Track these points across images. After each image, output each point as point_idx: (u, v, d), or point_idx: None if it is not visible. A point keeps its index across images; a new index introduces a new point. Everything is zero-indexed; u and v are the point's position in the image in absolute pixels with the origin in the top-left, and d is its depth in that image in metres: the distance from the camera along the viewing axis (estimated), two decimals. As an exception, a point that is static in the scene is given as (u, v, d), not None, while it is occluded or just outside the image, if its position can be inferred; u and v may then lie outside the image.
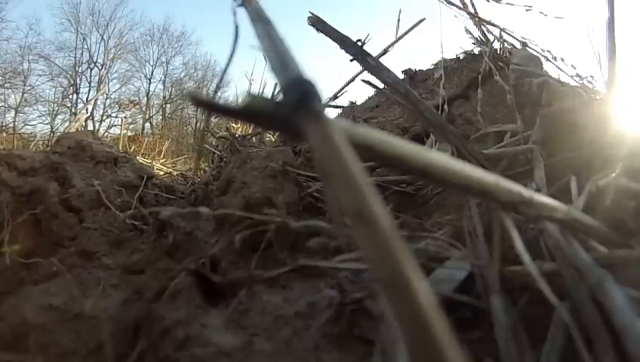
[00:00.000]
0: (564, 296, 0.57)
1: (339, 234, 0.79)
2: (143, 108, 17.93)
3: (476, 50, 2.24)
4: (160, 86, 18.49)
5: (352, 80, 2.73)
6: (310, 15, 1.44)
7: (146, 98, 18.09)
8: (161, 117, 18.26)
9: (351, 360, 0.56)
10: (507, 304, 0.56)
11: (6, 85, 15.03)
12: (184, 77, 18.90)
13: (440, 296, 0.58)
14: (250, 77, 3.85)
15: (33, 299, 0.87)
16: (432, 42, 2.42)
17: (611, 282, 0.53)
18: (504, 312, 0.54)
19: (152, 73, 18.38)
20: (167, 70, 18.66)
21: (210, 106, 0.34)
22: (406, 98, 1.18)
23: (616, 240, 0.72)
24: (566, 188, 0.91)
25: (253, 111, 0.32)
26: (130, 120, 17.29)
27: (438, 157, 0.42)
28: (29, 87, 15.78)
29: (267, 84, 3.61)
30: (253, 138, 1.90)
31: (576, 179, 0.92)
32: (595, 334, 0.48)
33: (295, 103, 0.31)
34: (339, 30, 1.37)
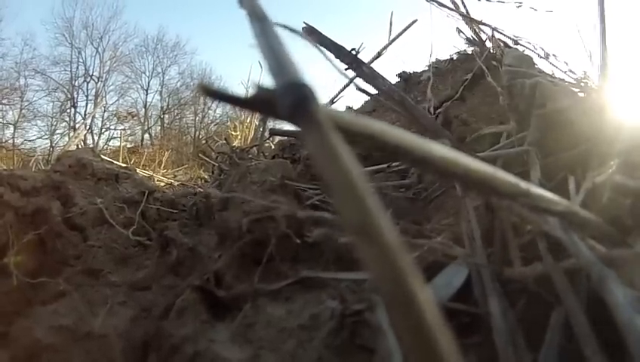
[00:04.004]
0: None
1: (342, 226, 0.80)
2: (142, 120, 17.98)
3: (470, 50, 2.25)
4: (157, 97, 18.51)
5: (348, 84, 2.75)
6: (304, 26, 1.46)
7: (143, 109, 18.14)
8: (159, 127, 18.30)
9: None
10: (505, 307, 0.57)
11: (3, 102, 15.08)
12: (181, 86, 18.91)
13: (438, 303, 0.59)
14: (247, 84, 3.88)
15: (43, 320, 0.88)
16: (426, 43, 2.43)
17: (613, 279, 0.54)
18: (502, 316, 0.55)
19: (149, 84, 18.38)
20: (163, 80, 18.67)
21: (219, 96, 0.35)
22: (401, 105, 1.20)
23: (614, 236, 0.73)
24: (563, 186, 0.92)
25: (261, 100, 0.32)
26: (129, 132, 17.35)
27: (437, 147, 0.43)
28: (26, 103, 15.82)
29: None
30: (253, 148, 1.92)
31: (573, 177, 0.93)
32: (583, 339, 0.49)
33: (291, 108, 0.31)
34: (333, 39, 1.39)
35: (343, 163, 0.28)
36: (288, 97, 0.31)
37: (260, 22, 0.42)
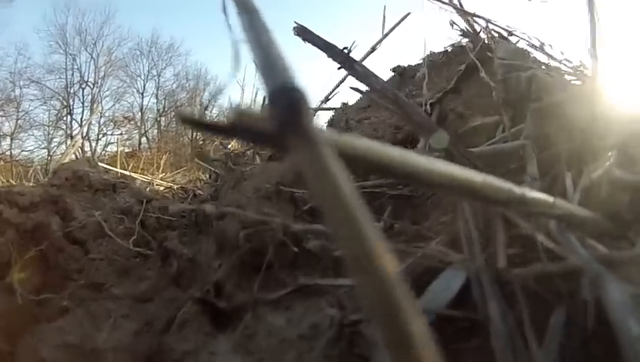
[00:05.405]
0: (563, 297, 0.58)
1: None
2: (138, 123, 17.95)
3: (464, 42, 2.24)
4: (153, 100, 18.45)
5: (344, 80, 2.74)
6: (296, 25, 1.45)
7: (140, 113, 18.10)
8: (156, 130, 18.26)
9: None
10: (504, 310, 0.57)
11: (-1, 113, 15.05)
12: (176, 88, 18.84)
13: (436, 311, 0.59)
14: (242, 84, 3.87)
15: (48, 338, 0.89)
16: (420, 36, 2.42)
17: (608, 279, 0.54)
18: (501, 319, 0.55)
19: (144, 87, 18.31)
20: (159, 83, 18.56)
21: (197, 124, 0.34)
22: (395, 103, 1.19)
23: (613, 231, 0.72)
24: (560, 180, 0.92)
25: (241, 127, 0.30)
26: (126, 136, 17.32)
27: (425, 160, 0.42)
28: (22, 113, 15.80)
29: (259, 91, 3.63)
30: (248, 152, 1.92)
31: (570, 172, 0.92)
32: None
33: (281, 118, 0.29)
34: (325, 39, 1.38)
35: (334, 181, 0.27)
36: (278, 105, 0.29)
37: (249, 14, 0.39)
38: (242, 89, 3.86)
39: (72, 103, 16.84)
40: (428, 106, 1.84)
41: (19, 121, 15.39)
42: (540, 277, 0.62)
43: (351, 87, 1.45)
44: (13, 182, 3.16)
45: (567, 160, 0.95)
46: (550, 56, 1.67)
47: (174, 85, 18.75)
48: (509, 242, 0.74)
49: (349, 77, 2.72)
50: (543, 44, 1.74)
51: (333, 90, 2.80)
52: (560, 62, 1.65)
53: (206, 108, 16.92)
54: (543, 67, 1.51)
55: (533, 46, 1.74)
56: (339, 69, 1.38)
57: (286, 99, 0.29)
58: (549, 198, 0.59)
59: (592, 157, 0.92)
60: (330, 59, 1.36)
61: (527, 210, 0.60)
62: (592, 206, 0.74)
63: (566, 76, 1.48)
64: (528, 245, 0.70)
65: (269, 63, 0.33)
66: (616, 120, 0.97)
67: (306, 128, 0.28)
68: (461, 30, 2.24)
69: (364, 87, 1.38)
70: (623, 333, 0.45)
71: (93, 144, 15.88)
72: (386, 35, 2.64)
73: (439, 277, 0.65)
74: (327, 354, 0.62)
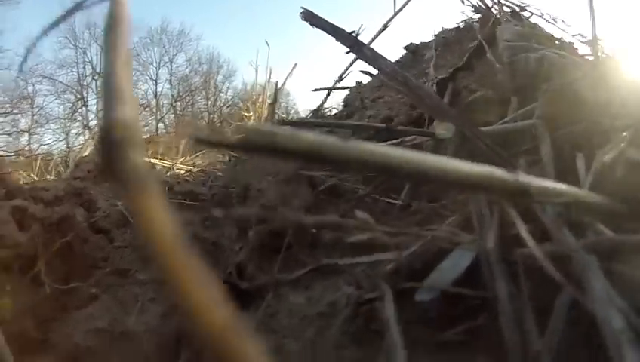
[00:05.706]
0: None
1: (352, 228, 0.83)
2: (154, 110, 18.12)
3: (476, 17, 2.20)
4: (167, 85, 18.58)
5: (349, 67, 2.71)
6: (302, 10, 1.45)
7: (155, 99, 18.25)
8: (172, 115, 18.42)
9: (369, 353, 0.61)
10: (512, 290, 0.59)
11: (15, 111, 15.31)
12: (190, 73, 18.95)
13: (442, 288, 0.62)
14: (256, 65, 3.88)
15: (80, 324, 0.95)
16: (433, 12, 2.39)
17: (595, 270, 0.54)
18: (509, 298, 0.57)
19: (157, 74, 18.44)
20: (171, 69, 18.63)
21: (210, 143, 0.36)
22: (405, 85, 1.20)
23: (626, 213, 0.72)
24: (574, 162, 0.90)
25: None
26: (142, 123, 17.49)
27: (430, 158, 0.43)
28: (37, 108, 16.06)
29: (272, 71, 3.65)
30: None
31: (583, 152, 0.91)
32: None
33: (103, 157, 0.26)
34: (332, 23, 1.38)
35: (159, 226, 0.25)
36: (102, 144, 0.27)
37: (115, 29, 0.34)
38: (256, 70, 3.87)
39: (85, 95, 17.07)
40: (440, 84, 1.82)
41: (35, 117, 15.68)
42: (548, 257, 0.63)
43: (361, 71, 1.46)
44: (34, 176, 3.25)
45: (579, 141, 0.94)
46: (563, 31, 1.64)
47: (187, 70, 18.85)
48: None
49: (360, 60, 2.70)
50: (555, 19, 1.71)
51: (347, 69, 2.77)
52: (573, 36, 1.62)
53: (220, 90, 16.88)
54: (557, 42, 1.48)
55: (546, 21, 1.71)
56: (347, 52, 1.38)
57: (110, 138, 0.27)
58: (556, 185, 0.59)
59: (605, 137, 0.91)
60: (339, 43, 1.36)
61: (533, 200, 0.60)
62: (605, 188, 0.73)
63: (579, 51, 1.45)
64: (538, 225, 0.71)
65: (108, 92, 0.29)
66: (631, 98, 0.95)
67: (121, 173, 0.26)
68: (472, 6, 2.21)
69: (374, 70, 1.38)
70: (605, 325, 0.47)
71: (111, 133, 16.05)
72: (397, 12, 2.61)
73: (448, 257, 0.67)
74: (344, 330, 0.65)
